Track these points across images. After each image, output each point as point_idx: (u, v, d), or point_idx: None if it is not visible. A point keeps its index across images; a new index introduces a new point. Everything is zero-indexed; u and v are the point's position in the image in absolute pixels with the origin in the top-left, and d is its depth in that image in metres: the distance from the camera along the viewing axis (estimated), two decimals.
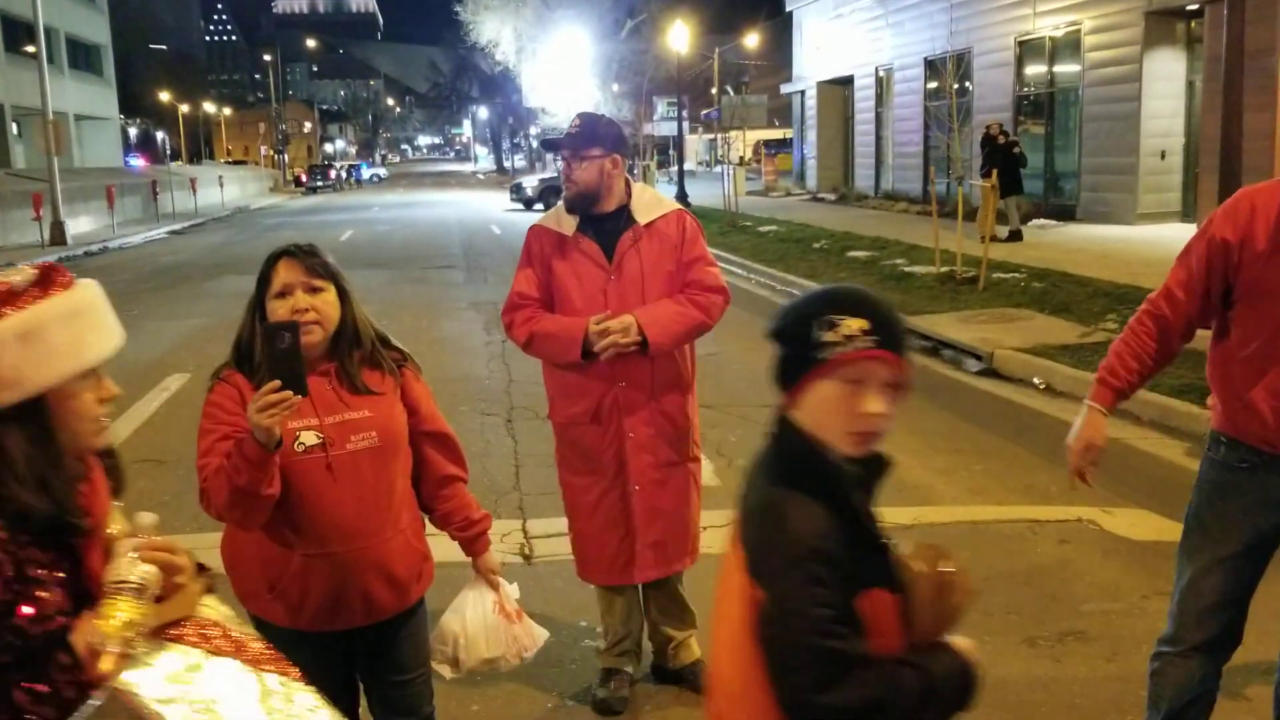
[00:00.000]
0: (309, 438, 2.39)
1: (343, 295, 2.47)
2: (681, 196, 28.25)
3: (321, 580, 2.42)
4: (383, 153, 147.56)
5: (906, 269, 13.96)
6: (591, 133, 3.53)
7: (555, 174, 37.30)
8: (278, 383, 2.16)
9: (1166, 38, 18.40)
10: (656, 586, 3.70)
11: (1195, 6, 16.95)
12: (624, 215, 3.54)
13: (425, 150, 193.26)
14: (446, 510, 2.68)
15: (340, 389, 2.45)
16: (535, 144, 74.22)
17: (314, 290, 2.42)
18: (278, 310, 2.39)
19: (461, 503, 2.70)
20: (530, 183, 39.05)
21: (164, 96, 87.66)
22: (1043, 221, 19.27)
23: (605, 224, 3.53)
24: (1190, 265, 2.78)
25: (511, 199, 39.45)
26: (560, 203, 3.64)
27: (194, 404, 2.50)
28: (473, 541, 2.72)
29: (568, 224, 3.55)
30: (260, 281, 2.45)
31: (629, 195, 3.56)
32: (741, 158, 42.21)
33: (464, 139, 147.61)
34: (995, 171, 14.13)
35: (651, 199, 3.63)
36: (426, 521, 2.71)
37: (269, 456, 2.21)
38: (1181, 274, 2.80)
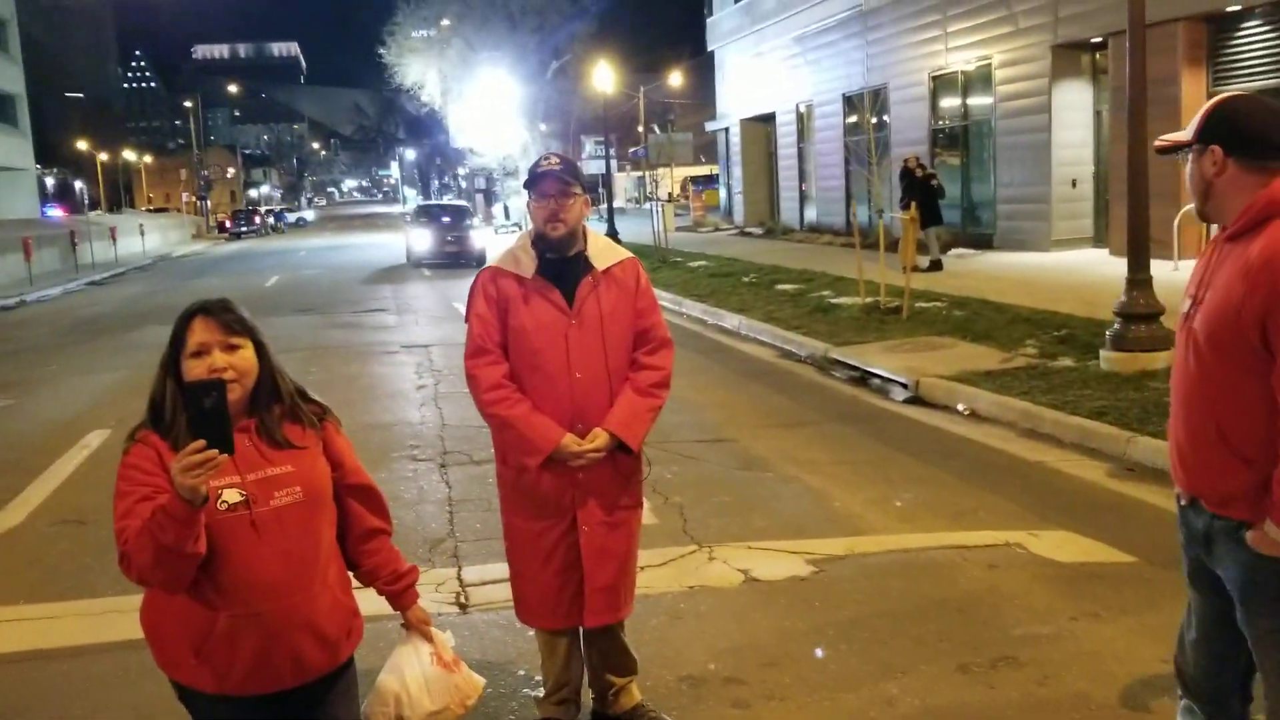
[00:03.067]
0: (232, 495, 2.36)
1: (260, 349, 2.46)
2: (612, 234, 28.33)
3: (249, 641, 2.38)
4: (309, 196, 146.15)
5: (833, 300, 14.16)
6: (574, 170, 3.51)
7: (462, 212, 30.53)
8: (202, 442, 2.14)
9: (1073, 69, 18.98)
10: (600, 632, 3.67)
11: (1099, 39, 17.54)
12: (582, 260, 3.51)
13: (352, 193, 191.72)
14: (373, 565, 2.66)
15: (261, 444, 2.43)
16: (466, 183, 74.00)
17: (231, 348, 2.40)
18: (194, 370, 2.35)
19: (388, 556, 2.68)
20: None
21: (82, 145, 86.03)
22: (962, 250, 19.70)
23: (564, 268, 3.49)
24: None
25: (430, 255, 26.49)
26: (517, 244, 3.58)
27: (116, 462, 2.45)
28: (401, 595, 2.69)
29: (526, 266, 3.49)
30: (174, 340, 2.41)
31: (585, 240, 3.56)
32: (670, 194, 42.57)
33: (392, 180, 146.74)
34: (914, 204, 14.42)
35: (606, 245, 3.62)
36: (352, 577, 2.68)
37: (195, 514, 2.17)
38: None
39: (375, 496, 2.67)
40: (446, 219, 28.11)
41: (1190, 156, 2.59)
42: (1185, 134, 2.60)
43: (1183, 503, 2.73)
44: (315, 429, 2.53)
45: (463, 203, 34.88)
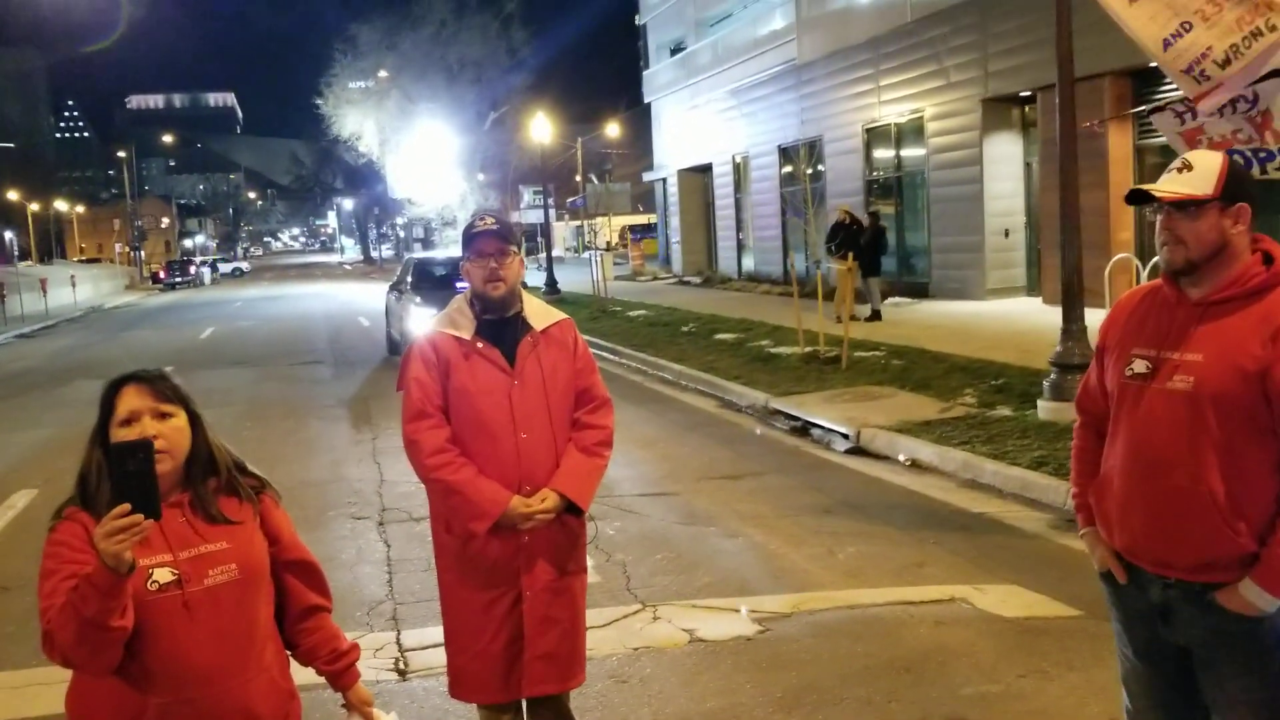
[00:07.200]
0: (163, 575, 2.26)
1: (194, 420, 2.38)
2: (551, 283, 28.42)
3: None
4: (245, 246, 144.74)
5: (772, 350, 14.23)
6: (510, 229, 3.49)
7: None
8: (127, 505, 2.04)
9: (1003, 122, 19.44)
10: (544, 703, 3.56)
11: (1028, 93, 17.98)
12: (520, 321, 3.48)
13: (290, 242, 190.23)
14: (312, 644, 2.56)
15: (195, 520, 2.34)
16: (405, 233, 73.68)
17: (163, 416, 2.32)
18: (122, 438, 2.27)
19: (328, 634, 2.58)
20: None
21: (12, 195, 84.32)
22: (898, 299, 19.96)
23: (503, 329, 3.45)
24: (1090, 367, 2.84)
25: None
26: (453, 306, 3.54)
27: (44, 523, 2.35)
28: (342, 674, 2.59)
29: (465, 327, 3.44)
30: (103, 409, 2.33)
31: (521, 300, 3.53)
32: (609, 243, 42.71)
33: (329, 230, 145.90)
34: (851, 254, 14.59)
35: (540, 306, 3.60)
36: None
37: (120, 583, 2.07)
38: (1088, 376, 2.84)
39: (314, 572, 2.58)
40: (462, 284, 11.88)
41: (1199, 211, 2.49)
42: (1194, 188, 2.49)
43: (1121, 582, 2.66)
44: (253, 503, 2.45)
45: None
